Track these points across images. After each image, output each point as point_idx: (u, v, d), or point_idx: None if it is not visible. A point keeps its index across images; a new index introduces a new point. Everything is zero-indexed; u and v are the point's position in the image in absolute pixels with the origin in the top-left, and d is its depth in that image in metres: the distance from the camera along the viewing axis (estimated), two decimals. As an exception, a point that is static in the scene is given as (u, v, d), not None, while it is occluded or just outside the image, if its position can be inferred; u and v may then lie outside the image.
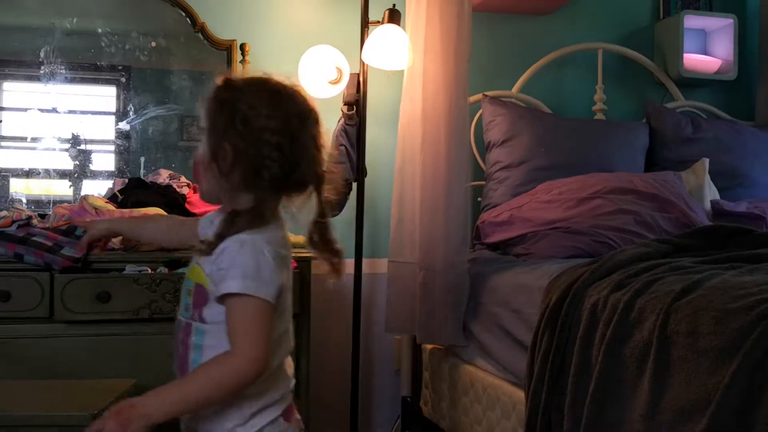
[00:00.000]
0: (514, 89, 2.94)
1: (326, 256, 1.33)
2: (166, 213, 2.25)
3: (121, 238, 2.05)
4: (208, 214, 1.38)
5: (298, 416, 1.34)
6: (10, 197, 2.51)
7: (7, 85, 2.62)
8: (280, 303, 1.25)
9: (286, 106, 1.23)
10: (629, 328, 1.46)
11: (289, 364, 1.35)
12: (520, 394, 1.84)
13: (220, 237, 1.21)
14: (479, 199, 2.76)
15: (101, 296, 2.00)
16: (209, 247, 1.21)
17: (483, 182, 2.76)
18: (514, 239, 2.35)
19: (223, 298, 1.19)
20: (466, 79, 2.30)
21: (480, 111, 2.82)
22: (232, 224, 1.21)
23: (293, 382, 1.35)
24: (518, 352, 1.91)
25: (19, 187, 2.54)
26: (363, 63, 2.54)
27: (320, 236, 1.32)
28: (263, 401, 1.26)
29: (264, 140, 1.19)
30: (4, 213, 2.19)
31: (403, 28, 2.45)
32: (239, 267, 1.17)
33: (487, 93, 2.82)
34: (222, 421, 1.24)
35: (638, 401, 1.37)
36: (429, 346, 2.52)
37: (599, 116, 2.96)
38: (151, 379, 2.03)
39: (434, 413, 2.42)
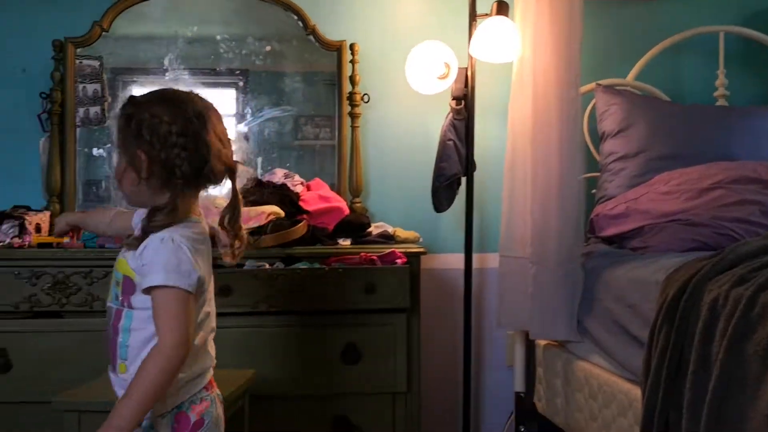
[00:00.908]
0: (629, 77, 2.85)
1: (230, 241, 1.49)
2: (281, 211, 2.34)
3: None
4: (139, 210, 1.53)
5: (217, 390, 1.51)
6: (139, 198, 2.67)
7: (136, 91, 2.78)
8: (201, 291, 1.41)
9: (185, 110, 1.38)
10: (752, 324, 1.39)
11: (211, 346, 1.51)
12: (636, 392, 1.79)
13: (144, 232, 1.37)
14: (593, 191, 2.69)
15: (223, 290, 2.11)
16: (136, 242, 1.37)
17: (597, 174, 2.70)
18: (630, 232, 2.28)
19: (148, 290, 1.34)
20: (578, 68, 2.25)
21: (593, 101, 2.75)
22: (152, 220, 1.37)
23: (214, 360, 1.51)
24: (634, 348, 1.85)
25: (147, 188, 2.70)
26: (471, 57, 2.54)
27: (230, 221, 1.47)
28: (188, 375, 1.41)
29: (171, 143, 1.35)
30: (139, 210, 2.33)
31: (512, 20, 2.43)
32: (161, 262, 1.32)
33: (600, 82, 2.74)
34: None
35: (762, 400, 1.30)
36: (542, 342, 2.49)
37: (721, 102, 2.82)
38: (270, 369, 2.14)
39: (548, 409, 2.39)
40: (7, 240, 2.27)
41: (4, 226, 2.30)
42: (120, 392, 1.41)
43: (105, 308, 1.46)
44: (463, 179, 2.61)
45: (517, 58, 2.37)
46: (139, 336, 1.38)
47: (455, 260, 2.75)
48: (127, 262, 1.39)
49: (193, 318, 1.37)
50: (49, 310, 2.15)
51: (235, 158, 1.46)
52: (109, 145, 2.67)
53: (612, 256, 2.24)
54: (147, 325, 1.37)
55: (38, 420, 2.10)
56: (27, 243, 2.27)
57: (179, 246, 1.34)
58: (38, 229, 2.38)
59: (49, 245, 2.25)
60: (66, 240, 2.08)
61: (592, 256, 2.30)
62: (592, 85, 2.74)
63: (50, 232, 2.45)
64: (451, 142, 2.56)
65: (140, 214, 1.51)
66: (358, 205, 2.68)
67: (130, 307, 1.39)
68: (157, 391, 1.31)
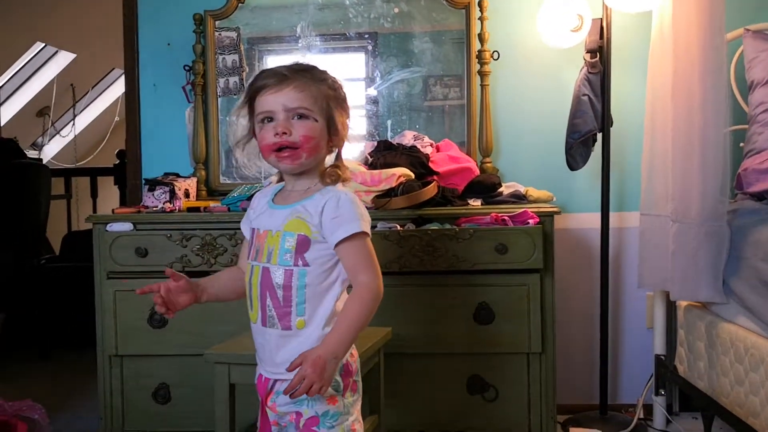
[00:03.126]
0: (783, 20, 2.63)
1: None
2: (411, 173, 2.36)
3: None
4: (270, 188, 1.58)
5: None
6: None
7: (271, 59, 2.89)
8: None
9: (340, 81, 1.49)
10: None
11: None
12: (788, 356, 1.69)
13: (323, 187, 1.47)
14: (741, 144, 2.52)
15: (357, 251, 2.16)
16: (307, 192, 1.47)
17: (745, 126, 2.52)
18: (782, 187, 2.13)
19: (341, 241, 1.42)
20: (722, 13, 2.11)
21: (741, 48, 2.57)
22: (329, 176, 1.46)
23: None
24: (786, 310, 1.75)
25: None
26: (606, 6, 2.44)
27: (332, 176, 1.50)
28: None
29: (347, 109, 1.49)
30: (272, 177, 2.44)
31: (650, -35, 2.30)
32: (354, 213, 1.43)
33: (749, 27, 2.55)
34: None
35: None
36: (684, 303, 2.39)
37: None
38: (403, 327, 2.19)
39: (690, 373, 2.30)
40: (160, 205, 2.45)
41: (157, 192, 2.47)
42: (286, 348, 1.44)
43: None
44: (599, 135, 2.53)
45: (656, 6, 2.25)
46: (313, 291, 1.44)
47: (591, 220, 2.68)
48: (305, 221, 1.43)
49: None
50: (198, 270, 2.29)
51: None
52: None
53: (761, 213, 2.11)
54: (321, 279, 1.44)
55: (192, 371, 2.28)
56: (177, 207, 2.43)
57: (355, 199, 1.46)
58: (187, 194, 2.54)
59: (197, 209, 2.39)
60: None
61: (738, 213, 2.17)
62: (740, 30, 2.55)
63: (198, 197, 2.61)
64: (585, 98, 2.48)
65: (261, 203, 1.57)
66: (488, 164, 2.66)
67: (305, 264, 1.43)
68: (362, 324, 1.41)
